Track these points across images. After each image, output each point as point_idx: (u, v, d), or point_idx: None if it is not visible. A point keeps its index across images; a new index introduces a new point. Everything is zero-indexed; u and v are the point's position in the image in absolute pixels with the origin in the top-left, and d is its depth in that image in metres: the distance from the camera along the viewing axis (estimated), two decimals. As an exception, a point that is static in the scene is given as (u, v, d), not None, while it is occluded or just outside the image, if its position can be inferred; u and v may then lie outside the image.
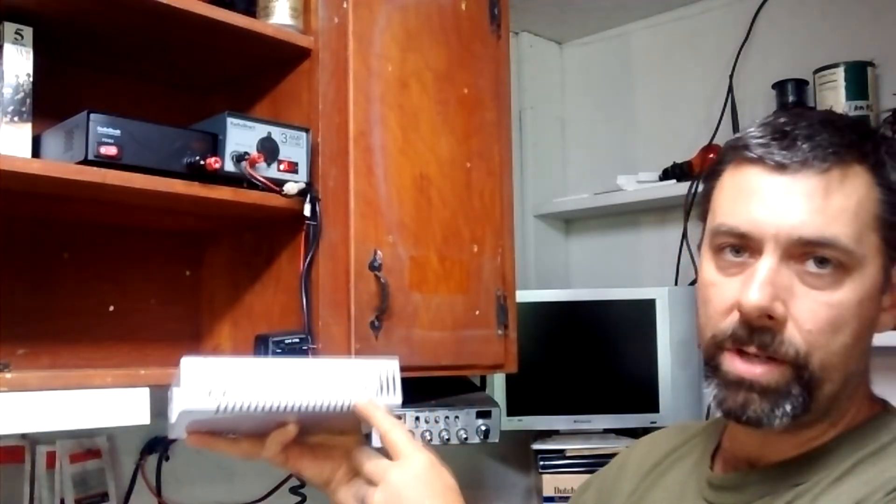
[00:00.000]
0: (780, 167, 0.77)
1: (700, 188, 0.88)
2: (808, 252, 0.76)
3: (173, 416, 0.78)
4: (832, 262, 0.75)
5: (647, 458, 1.01)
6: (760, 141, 0.78)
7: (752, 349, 0.77)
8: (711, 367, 0.81)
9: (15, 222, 1.30)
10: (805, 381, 0.76)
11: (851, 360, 0.79)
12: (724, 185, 0.82)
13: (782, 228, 0.76)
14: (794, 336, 0.76)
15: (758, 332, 0.77)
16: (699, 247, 0.87)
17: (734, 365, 0.79)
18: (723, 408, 0.80)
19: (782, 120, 0.79)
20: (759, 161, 0.78)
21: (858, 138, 0.79)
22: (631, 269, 2.33)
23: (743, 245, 0.78)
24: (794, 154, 0.76)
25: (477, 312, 1.51)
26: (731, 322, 0.78)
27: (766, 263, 0.76)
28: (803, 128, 0.77)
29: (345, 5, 1.37)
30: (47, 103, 1.19)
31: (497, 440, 1.64)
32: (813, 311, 0.76)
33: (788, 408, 0.77)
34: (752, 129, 0.80)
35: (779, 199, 0.76)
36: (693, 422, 1.04)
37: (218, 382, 0.78)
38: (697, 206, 0.90)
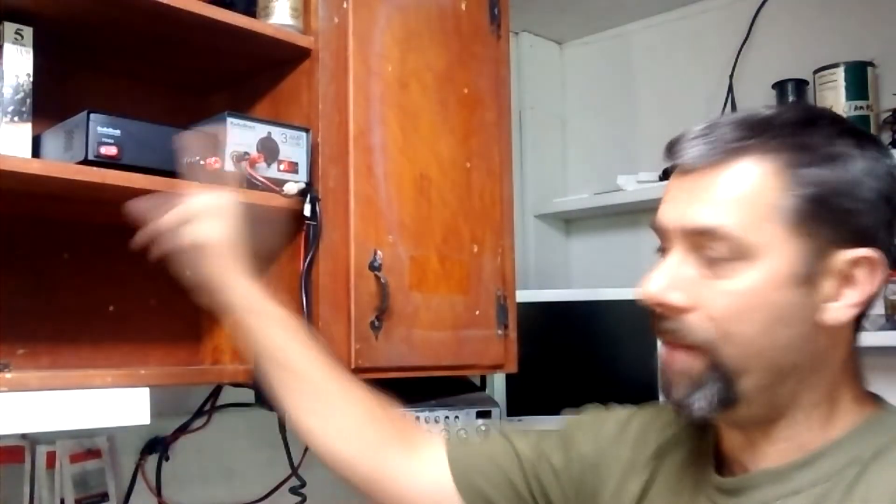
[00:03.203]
0: (683, 168, 0.83)
1: None
2: (702, 243, 0.80)
3: None
4: (726, 251, 0.78)
5: (648, 434, 1.00)
6: (672, 147, 0.84)
7: (664, 336, 0.83)
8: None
9: (15, 222, 1.30)
10: (721, 371, 0.79)
11: (773, 351, 0.79)
12: None
13: (677, 222, 0.82)
14: (702, 324, 0.80)
15: (661, 320, 0.82)
16: None
17: (661, 352, 0.84)
18: (661, 390, 0.85)
19: (694, 126, 0.84)
20: (673, 165, 0.84)
21: (755, 133, 0.81)
22: (631, 269, 2.32)
23: (664, 243, 0.85)
24: (690, 154, 0.81)
25: (477, 312, 1.51)
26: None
27: (671, 256, 0.83)
28: (704, 129, 0.82)
29: (345, 5, 1.37)
30: (47, 103, 1.19)
31: (497, 440, 1.64)
32: (715, 300, 0.79)
33: (704, 397, 0.80)
34: (680, 135, 0.85)
35: (678, 196, 0.83)
36: None
37: None
38: None
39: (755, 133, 0.81)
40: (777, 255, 0.78)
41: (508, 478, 1.03)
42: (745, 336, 0.78)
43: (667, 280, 0.81)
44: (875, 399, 0.87)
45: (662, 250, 0.86)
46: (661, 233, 0.85)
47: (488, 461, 1.04)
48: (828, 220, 0.78)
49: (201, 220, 1.04)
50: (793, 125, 0.82)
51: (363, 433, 1.04)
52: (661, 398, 0.87)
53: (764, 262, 0.78)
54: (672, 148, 0.84)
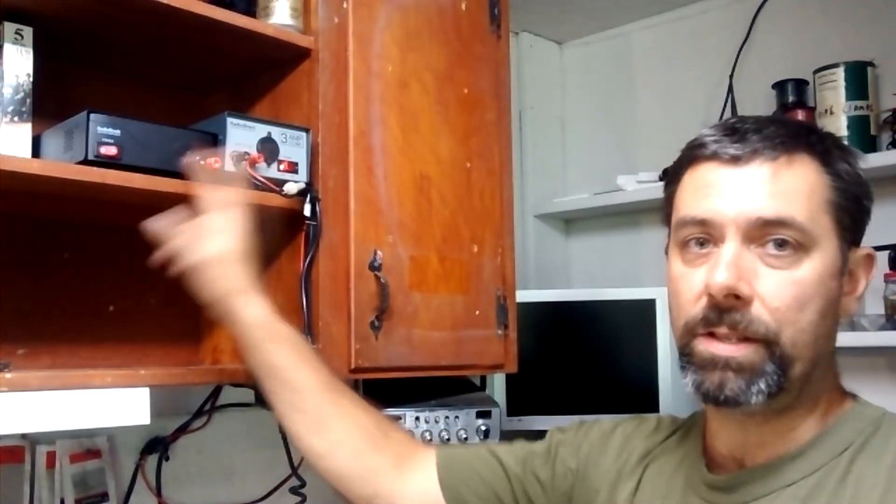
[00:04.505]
0: (734, 159, 0.82)
1: (663, 194, 0.94)
2: (767, 233, 0.80)
3: None
4: (791, 241, 0.80)
5: (632, 442, 1.01)
6: (714, 139, 0.84)
7: (722, 330, 0.81)
8: (686, 354, 0.84)
9: (15, 222, 1.30)
10: (777, 358, 0.80)
11: (820, 340, 0.82)
12: (684, 185, 0.88)
13: (741, 213, 0.81)
14: (763, 314, 0.80)
15: (726, 312, 0.81)
16: (666, 251, 0.91)
17: (708, 347, 0.82)
18: (701, 390, 0.83)
19: (732, 120, 0.86)
20: (714, 157, 0.83)
21: (804, 130, 0.85)
22: (631, 269, 2.33)
23: (706, 235, 0.83)
24: (745, 146, 0.82)
25: (477, 312, 1.51)
26: (700, 307, 0.82)
27: (730, 247, 0.81)
28: (752, 124, 0.84)
29: (345, 5, 1.37)
30: (47, 103, 1.19)
31: (497, 440, 1.64)
32: (778, 290, 0.80)
33: (763, 385, 0.80)
34: (705, 131, 0.86)
35: (735, 188, 0.82)
36: (672, 416, 1.05)
37: None
38: (661, 211, 0.94)
39: (798, 133, 0.84)
40: (827, 247, 0.82)
41: (497, 494, 1.05)
42: (803, 324, 0.80)
43: (736, 270, 0.80)
44: (849, 393, 0.90)
45: (701, 242, 0.84)
46: (713, 225, 0.83)
47: (477, 478, 1.06)
48: (855, 218, 0.83)
49: (209, 237, 1.06)
50: (815, 131, 0.86)
51: (362, 455, 1.06)
52: (693, 396, 0.85)
53: (819, 253, 0.81)
54: (708, 144, 0.84)
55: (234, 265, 1.06)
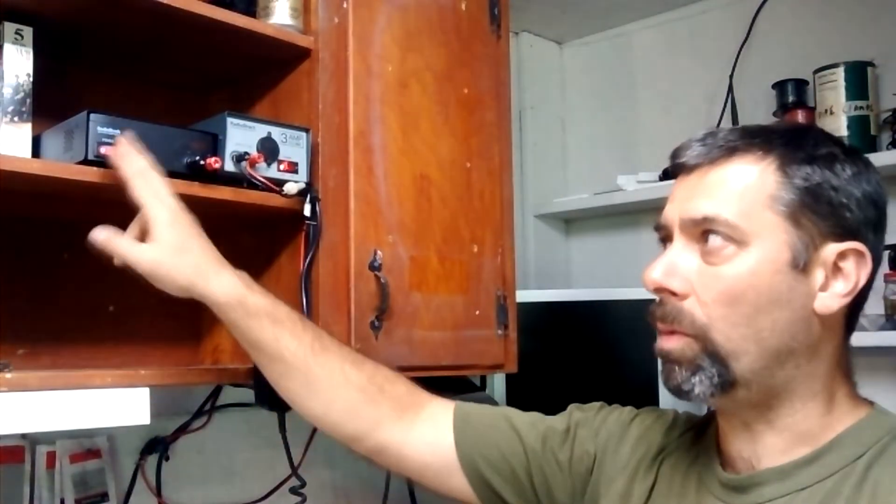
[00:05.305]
0: (685, 169, 0.89)
1: None
2: (701, 231, 0.85)
3: None
4: (722, 237, 0.83)
5: (650, 437, 1.02)
6: (679, 151, 0.90)
7: (659, 324, 0.87)
8: None
9: (15, 222, 1.30)
10: (713, 353, 0.83)
11: (771, 334, 0.82)
12: None
13: (679, 215, 0.87)
14: (695, 309, 0.84)
15: (661, 306, 0.88)
16: None
17: (657, 342, 0.89)
18: (663, 383, 0.89)
19: (703, 131, 0.90)
20: (676, 167, 0.90)
21: (754, 136, 0.87)
22: (631, 269, 2.31)
23: (665, 237, 0.90)
24: (692, 156, 0.88)
25: (477, 312, 1.51)
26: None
27: (671, 247, 0.88)
28: (704, 135, 0.88)
29: (345, 5, 1.37)
30: (47, 103, 1.19)
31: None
32: (709, 285, 0.84)
33: (704, 379, 0.84)
34: (682, 142, 0.91)
35: (680, 193, 0.89)
36: (688, 413, 1.05)
37: None
38: None
39: (754, 136, 0.86)
40: (772, 241, 0.82)
41: (513, 468, 1.06)
42: (735, 318, 0.82)
43: (667, 268, 0.86)
44: (866, 400, 0.89)
45: (665, 244, 0.90)
46: (664, 230, 0.89)
47: (495, 449, 1.07)
48: (821, 213, 0.83)
49: (150, 234, 1.01)
50: (789, 131, 0.88)
51: (357, 410, 1.07)
52: (662, 389, 0.89)
53: (759, 248, 0.82)
54: (675, 153, 0.89)
55: (185, 253, 1.01)
